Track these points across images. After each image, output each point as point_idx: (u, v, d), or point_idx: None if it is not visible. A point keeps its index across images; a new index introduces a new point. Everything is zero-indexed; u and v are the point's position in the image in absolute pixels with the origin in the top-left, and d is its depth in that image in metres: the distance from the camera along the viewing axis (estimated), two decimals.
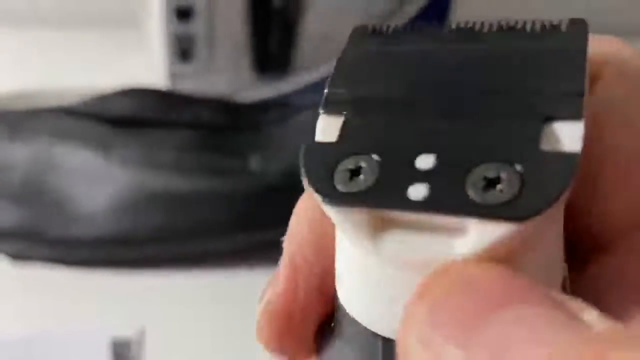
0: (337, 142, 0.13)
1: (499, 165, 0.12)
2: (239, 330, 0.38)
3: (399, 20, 0.53)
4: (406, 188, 0.12)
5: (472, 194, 0.12)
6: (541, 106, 0.12)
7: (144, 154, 0.41)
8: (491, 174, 0.12)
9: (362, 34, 0.15)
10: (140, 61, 0.55)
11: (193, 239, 0.41)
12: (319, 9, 0.53)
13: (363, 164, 0.13)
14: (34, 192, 0.40)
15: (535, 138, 0.12)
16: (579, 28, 0.14)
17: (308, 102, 0.50)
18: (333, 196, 0.13)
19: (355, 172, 0.13)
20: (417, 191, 0.12)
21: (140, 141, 0.41)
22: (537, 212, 0.11)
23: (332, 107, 0.14)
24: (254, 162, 0.41)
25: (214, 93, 0.50)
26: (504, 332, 0.10)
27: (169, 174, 0.40)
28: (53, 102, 0.45)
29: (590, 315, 0.10)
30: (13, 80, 0.53)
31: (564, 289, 0.13)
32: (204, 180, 0.40)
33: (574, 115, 0.12)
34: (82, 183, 0.40)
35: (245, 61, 0.54)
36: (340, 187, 0.13)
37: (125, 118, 0.42)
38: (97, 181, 0.40)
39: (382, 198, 0.12)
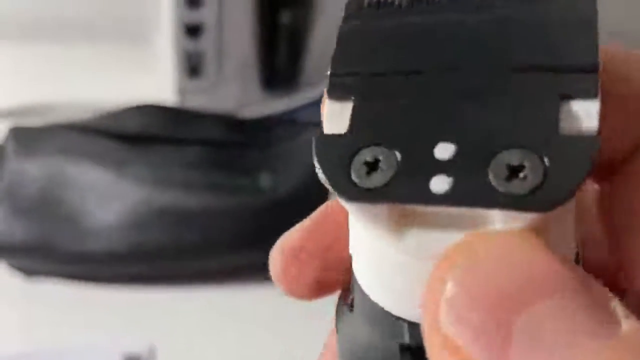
0: (349, 133, 0.13)
1: (521, 153, 0.11)
2: (248, 346, 0.39)
3: None
4: (428, 181, 0.12)
5: (496, 184, 0.11)
6: (556, 83, 0.12)
7: (154, 171, 0.41)
8: (514, 162, 0.11)
9: (358, 6, 0.15)
10: (150, 77, 0.56)
11: (203, 256, 0.41)
12: (325, 26, 0.53)
13: (380, 156, 0.12)
14: (46, 208, 0.41)
15: (554, 120, 0.12)
16: None
17: (315, 118, 0.50)
18: (352, 192, 0.12)
19: (372, 165, 0.12)
20: (440, 184, 0.12)
21: (150, 158, 0.42)
22: (562, 201, 0.11)
23: (338, 92, 0.13)
24: (263, 179, 0.41)
25: (222, 109, 0.51)
26: (545, 324, 0.10)
27: (178, 191, 0.41)
28: (63, 118, 0.46)
29: (617, 306, 0.11)
30: (23, 95, 0.54)
31: (577, 256, 0.13)
32: (214, 197, 0.41)
33: (589, 93, 0.12)
34: (93, 199, 0.41)
35: (253, 77, 0.54)
36: (358, 182, 0.12)
37: (135, 135, 0.43)
38: (107, 198, 0.41)
39: (404, 193, 0.12)
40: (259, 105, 0.54)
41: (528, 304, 0.10)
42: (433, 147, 0.12)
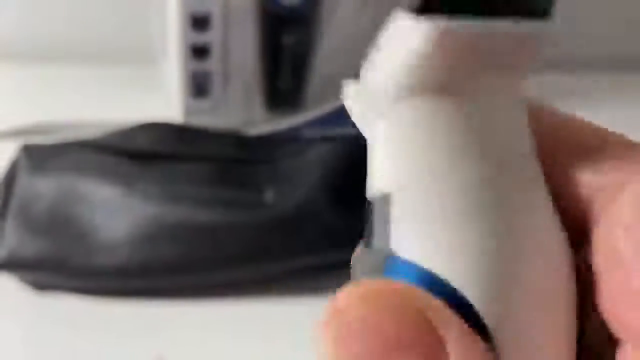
0: None
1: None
2: (256, 359, 0.39)
3: None
4: None
5: None
6: None
7: (163, 188, 0.42)
8: None
9: None
10: (157, 97, 0.57)
11: (210, 270, 0.42)
12: (328, 47, 0.54)
13: None
14: (57, 224, 0.42)
15: None
16: None
17: (318, 136, 0.51)
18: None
19: None
20: None
21: (159, 175, 0.43)
22: None
23: None
24: (268, 195, 0.42)
25: (228, 128, 0.52)
26: None
27: (186, 207, 0.42)
28: (73, 136, 0.47)
29: None
30: (34, 115, 0.55)
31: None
32: (221, 213, 0.42)
33: None
34: (103, 215, 0.42)
35: (257, 97, 0.55)
36: None
37: (144, 152, 0.44)
38: (117, 213, 0.42)
39: None
40: (263, 123, 0.55)
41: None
42: None
